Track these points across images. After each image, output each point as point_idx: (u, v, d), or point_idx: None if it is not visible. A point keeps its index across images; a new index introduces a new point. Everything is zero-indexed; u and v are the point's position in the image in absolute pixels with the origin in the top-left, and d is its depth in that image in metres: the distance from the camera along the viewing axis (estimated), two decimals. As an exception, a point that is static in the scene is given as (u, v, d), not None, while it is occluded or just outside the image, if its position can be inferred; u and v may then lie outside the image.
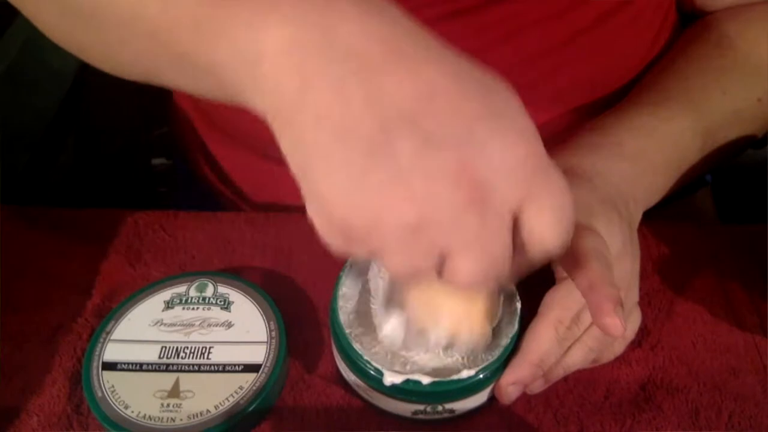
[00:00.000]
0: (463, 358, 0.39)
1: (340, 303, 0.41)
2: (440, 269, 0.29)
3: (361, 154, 0.26)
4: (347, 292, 0.41)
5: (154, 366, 0.41)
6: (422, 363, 0.38)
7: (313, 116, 0.27)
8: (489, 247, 0.28)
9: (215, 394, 0.39)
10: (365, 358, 0.38)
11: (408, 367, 0.38)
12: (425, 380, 0.37)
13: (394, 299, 0.39)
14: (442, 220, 0.27)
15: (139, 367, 0.41)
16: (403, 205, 0.26)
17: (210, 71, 0.30)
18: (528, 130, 0.29)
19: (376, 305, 0.41)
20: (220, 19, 0.28)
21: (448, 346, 0.38)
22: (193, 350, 0.41)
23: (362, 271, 0.42)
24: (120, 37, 0.33)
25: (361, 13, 0.27)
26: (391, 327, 0.39)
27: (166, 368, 0.41)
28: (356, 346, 0.38)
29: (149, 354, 0.41)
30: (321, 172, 0.27)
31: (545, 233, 0.29)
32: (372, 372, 0.38)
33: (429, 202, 0.26)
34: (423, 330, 0.37)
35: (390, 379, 0.37)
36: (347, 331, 0.39)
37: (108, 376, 0.40)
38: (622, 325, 0.34)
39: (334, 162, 0.27)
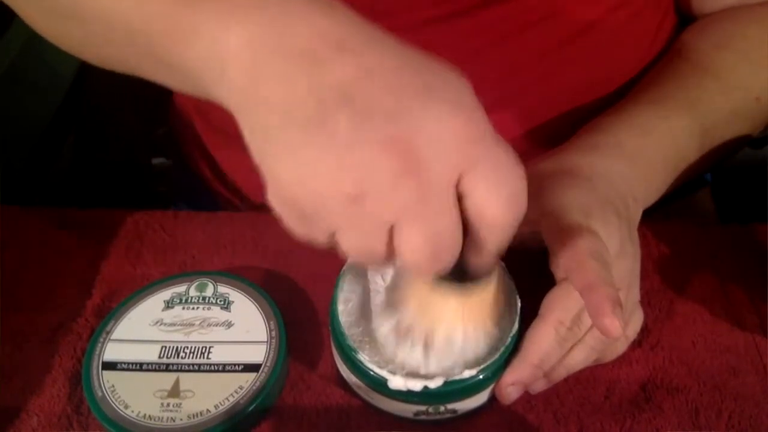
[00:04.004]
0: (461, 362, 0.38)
1: (340, 305, 0.40)
2: (391, 250, 0.29)
3: (299, 130, 0.28)
4: (347, 293, 0.41)
5: (154, 366, 0.41)
6: (416, 365, 0.38)
7: (264, 106, 0.29)
8: (432, 219, 0.28)
9: (215, 394, 0.39)
10: (367, 364, 0.38)
11: (408, 368, 0.38)
12: (432, 385, 0.37)
13: (392, 299, 0.39)
14: (379, 188, 0.27)
15: (139, 366, 0.41)
16: (339, 175, 0.27)
17: (182, 68, 0.31)
18: (466, 103, 0.29)
19: (376, 305, 0.41)
20: (189, 18, 0.30)
21: (431, 346, 0.38)
22: (193, 350, 0.41)
23: (362, 272, 0.42)
24: (100, 34, 0.35)
25: (314, 12, 0.29)
26: (386, 327, 0.39)
27: (166, 368, 0.41)
28: (356, 347, 0.38)
29: (149, 354, 0.41)
30: (270, 154, 0.29)
31: (488, 204, 0.29)
32: (373, 374, 0.38)
33: (364, 171, 0.27)
34: (410, 328, 0.37)
35: (395, 384, 0.37)
36: (347, 333, 0.39)
37: (108, 376, 0.40)
38: (621, 326, 0.34)
39: (280, 143, 0.28)
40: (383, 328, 0.39)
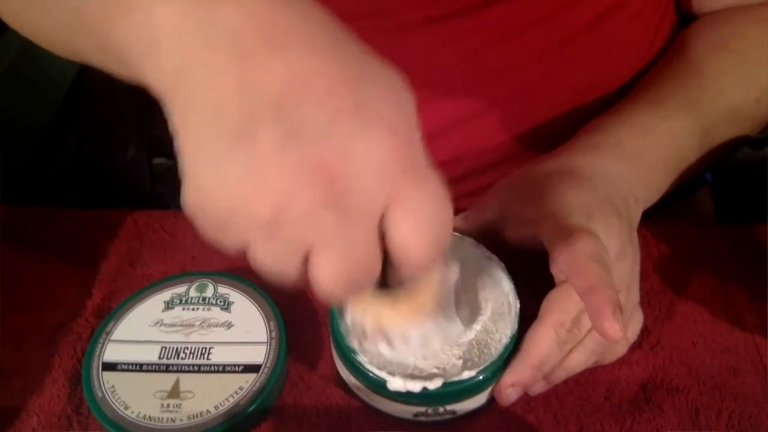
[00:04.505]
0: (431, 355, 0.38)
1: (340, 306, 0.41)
2: (304, 273, 0.28)
3: (225, 141, 0.26)
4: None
5: (154, 366, 0.41)
6: (421, 365, 0.38)
7: (189, 99, 0.27)
8: (349, 249, 0.27)
9: (215, 395, 0.39)
10: (366, 365, 0.38)
11: (407, 370, 0.38)
12: (431, 386, 0.37)
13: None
14: (297, 217, 0.26)
15: (139, 367, 0.41)
16: (258, 196, 0.26)
17: (114, 48, 0.29)
18: (402, 127, 0.27)
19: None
20: (121, 2, 0.28)
21: (389, 344, 0.38)
22: (193, 350, 0.41)
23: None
24: (55, 16, 0.33)
25: None
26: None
27: (166, 368, 0.41)
28: (356, 348, 0.38)
29: (149, 354, 0.41)
30: (188, 155, 0.27)
31: (411, 244, 0.28)
32: (372, 375, 0.38)
33: (284, 197, 0.26)
34: (364, 330, 0.37)
35: (395, 385, 0.37)
36: (347, 335, 0.39)
37: (108, 377, 0.40)
38: (621, 329, 0.34)
39: (200, 147, 0.27)
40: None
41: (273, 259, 0.28)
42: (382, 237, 0.28)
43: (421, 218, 0.27)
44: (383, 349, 0.38)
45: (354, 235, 0.27)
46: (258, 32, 0.26)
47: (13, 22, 0.39)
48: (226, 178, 0.26)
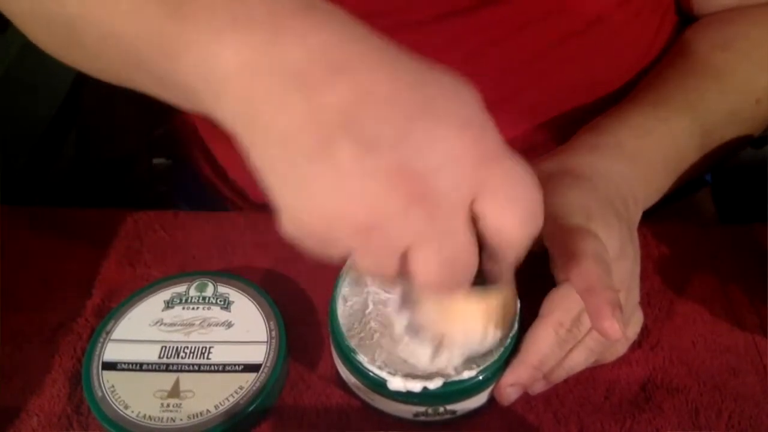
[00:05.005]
0: (462, 362, 0.38)
1: (340, 305, 0.41)
2: (406, 269, 0.29)
3: (306, 165, 0.27)
4: (347, 293, 0.41)
5: (154, 366, 0.41)
6: (421, 365, 0.38)
7: (263, 134, 0.28)
8: (445, 243, 0.28)
9: (215, 394, 0.39)
10: (366, 364, 0.38)
11: (407, 369, 0.38)
12: (431, 385, 0.37)
13: (407, 297, 0.39)
14: (389, 219, 0.27)
15: (139, 367, 0.41)
16: (348, 207, 0.27)
17: (178, 87, 0.31)
18: (474, 118, 0.28)
19: (383, 304, 0.41)
20: (182, 39, 0.29)
21: (442, 347, 0.38)
22: (193, 350, 0.41)
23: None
24: (97, 51, 0.34)
25: (306, 30, 0.28)
26: (399, 325, 0.39)
27: (166, 368, 0.41)
28: (356, 348, 0.38)
29: (149, 354, 0.41)
30: (274, 187, 0.29)
31: (504, 225, 0.29)
32: (372, 375, 0.38)
33: (373, 204, 0.27)
34: (423, 327, 0.37)
35: (395, 385, 0.37)
36: (347, 335, 0.39)
37: (108, 376, 0.40)
38: (621, 329, 0.34)
39: (287, 175, 0.28)
40: (396, 325, 0.39)
41: (375, 263, 0.29)
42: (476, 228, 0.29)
43: (510, 200, 0.29)
44: (426, 350, 0.38)
45: (447, 229, 0.28)
46: (320, 63, 0.27)
47: (58, 57, 0.39)
48: (315, 199, 0.27)
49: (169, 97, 0.33)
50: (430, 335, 0.37)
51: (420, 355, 0.38)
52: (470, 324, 0.37)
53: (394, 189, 0.27)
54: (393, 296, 0.41)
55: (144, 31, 0.30)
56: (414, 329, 0.38)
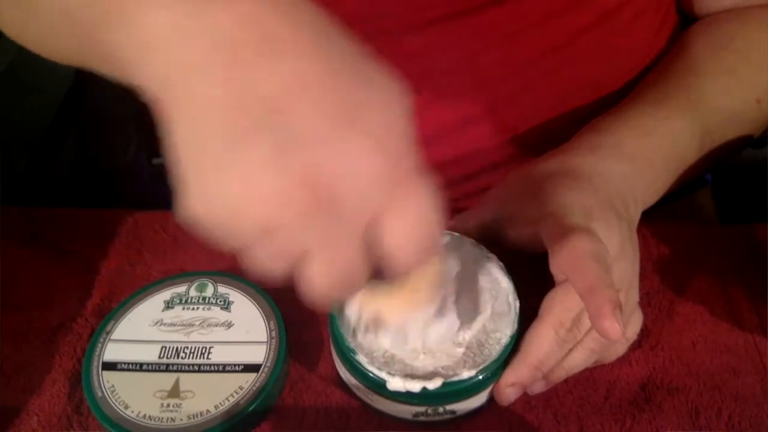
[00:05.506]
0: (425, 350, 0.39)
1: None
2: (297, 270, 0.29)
3: (218, 149, 0.26)
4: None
5: (154, 366, 0.41)
6: (421, 365, 0.38)
7: (181, 107, 0.27)
8: (338, 255, 0.28)
9: (215, 394, 0.39)
10: (366, 365, 0.38)
11: (407, 370, 0.38)
12: (431, 386, 0.37)
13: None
14: (288, 223, 0.26)
15: (139, 367, 0.41)
16: (251, 204, 0.26)
17: (110, 54, 0.29)
18: (392, 135, 0.27)
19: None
20: (114, 6, 0.28)
21: (375, 329, 0.38)
22: (193, 350, 0.41)
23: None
24: (49, 27, 0.33)
25: None
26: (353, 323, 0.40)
27: (166, 368, 0.41)
28: (355, 349, 0.38)
29: (149, 354, 0.41)
30: (182, 163, 0.27)
31: (401, 248, 0.28)
32: (372, 376, 0.38)
33: (275, 204, 0.26)
34: (363, 322, 0.38)
35: (395, 385, 0.37)
36: (347, 335, 0.39)
37: (108, 376, 0.40)
38: (621, 329, 0.34)
39: (193, 155, 0.27)
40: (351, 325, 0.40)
41: (265, 262, 0.28)
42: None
43: (410, 226, 0.28)
44: (382, 340, 0.38)
45: (343, 241, 0.27)
46: (249, 37, 0.26)
47: (7, 31, 0.39)
48: (222, 189, 0.26)
49: (117, 75, 0.31)
50: (369, 328, 0.38)
51: (383, 344, 0.39)
52: (392, 314, 0.37)
53: (299, 193, 0.26)
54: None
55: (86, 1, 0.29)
56: (359, 325, 0.39)
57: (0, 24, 0.39)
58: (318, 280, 0.28)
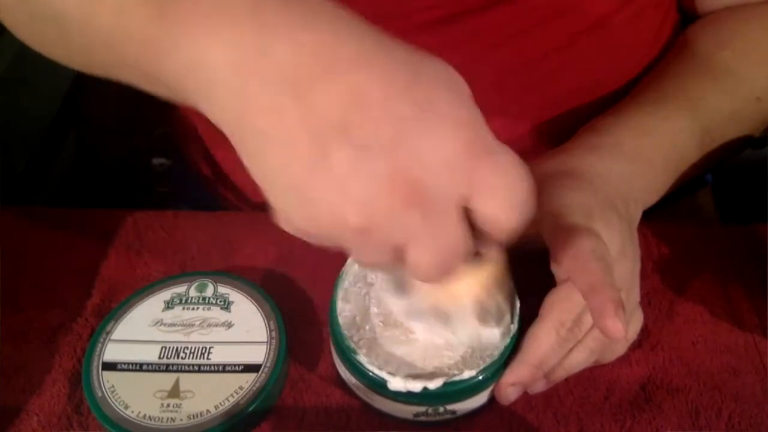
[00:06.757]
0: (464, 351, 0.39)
1: (340, 305, 0.40)
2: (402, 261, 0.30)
3: (301, 169, 0.28)
4: (347, 293, 0.41)
5: (154, 366, 0.41)
6: (421, 364, 0.38)
7: (254, 137, 0.28)
8: (439, 238, 0.29)
9: (215, 394, 0.39)
10: (366, 365, 0.38)
11: (408, 369, 0.38)
12: (432, 385, 0.37)
13: (401, 282, 0.39)
14: (384, 222, 0.28)
15: (139, 367, 0.41)
16: (344, 211, 0.28)
17: (167, 85, 0.31)
18: (464, 116, 0.29)
19: (377, 295, 0.41)
20: (167, 41, 0.29)
21: (449, 322, 0.38)
22: (193, 350, 0.41)
23: (362, 272, 0.42)
24: (79, 41, 0.34)
25: (293, 27, 0.28)
26: (399, 308, 0.39)
27: (166, 368, 0.41)
28: (356, 348, 0.38)
29: (149, 354, 0.41)
30: (268, 188, 0.29)
31: (497, 218, 0.30)
32: (372, 375, 0.38)
33: (367, 206, 0.27)
34: (425, 308, 0.38)
35: (395, 385, 0.37)
36: (347, 335, 0.39)
37: (108, 376, 0.40)
38: (623, 328, 0.34)
39: (276, 179, 0.29)
40: (395, 309, 0.39)
41: (370, 258, 0.30)
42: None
43: (503, 193, 0.29)
44: (436, 328, 0.39)
45: (441, 226, 0.29)
46: (310, 62, 0.27)
47: (35, 44, 0.39)
48: (311, 205, 0.28)
49: (158, 92, 0.33)
50: (432, 316, 0.38)
51: (435, 340, 0.39)
52: (467, 297, 0.37)
53: (389, 193, 0.27)
54: (387, 286, 0.41)
55: (128, 29, 0.30)
56: (415, 313, 0.39)
57: (23, 38, 0.39)
58: (423, 265, 0.29)
